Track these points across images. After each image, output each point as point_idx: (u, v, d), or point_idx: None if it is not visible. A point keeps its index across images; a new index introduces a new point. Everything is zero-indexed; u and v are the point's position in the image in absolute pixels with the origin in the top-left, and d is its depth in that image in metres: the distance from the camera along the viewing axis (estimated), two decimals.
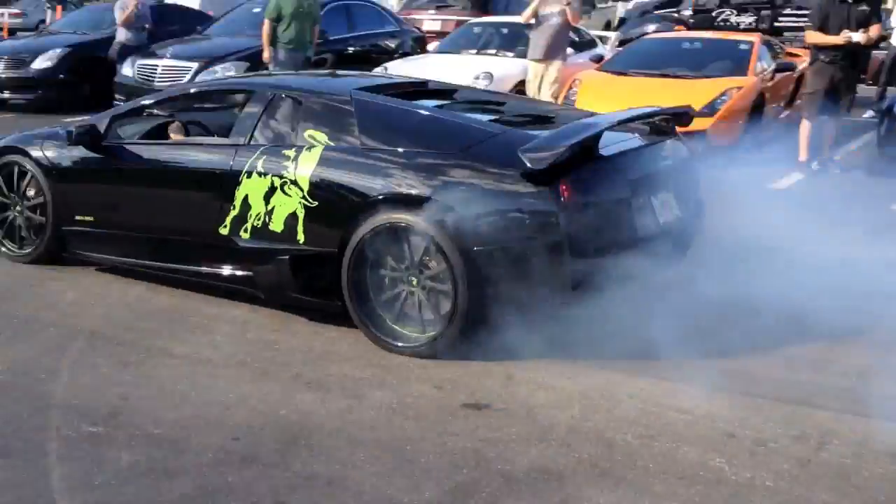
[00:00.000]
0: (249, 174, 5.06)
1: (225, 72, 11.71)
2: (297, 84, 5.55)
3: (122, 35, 13.72)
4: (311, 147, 4.96)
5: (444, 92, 6.13)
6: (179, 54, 12.36)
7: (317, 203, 4.84)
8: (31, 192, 6.05)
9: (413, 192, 4.57)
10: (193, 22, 15.61)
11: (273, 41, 11.15)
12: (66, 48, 13.85)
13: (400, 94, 5.55)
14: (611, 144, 4.90)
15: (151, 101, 6.10)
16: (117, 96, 12.15)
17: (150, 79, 12.06)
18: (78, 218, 5.84)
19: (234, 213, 5.11)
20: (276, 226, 4.96)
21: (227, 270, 5.20)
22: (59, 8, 25.34)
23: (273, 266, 4.99)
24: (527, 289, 4.40)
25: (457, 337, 4.51)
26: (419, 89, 6.01)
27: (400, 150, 4.74)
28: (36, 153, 5.98)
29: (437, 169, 4.60)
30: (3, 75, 13.52)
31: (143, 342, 4.81)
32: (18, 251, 6.16)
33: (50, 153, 5.95)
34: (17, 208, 6.12)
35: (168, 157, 5.56)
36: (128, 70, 12.50)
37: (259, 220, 5.02)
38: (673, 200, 5.17)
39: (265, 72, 10.17)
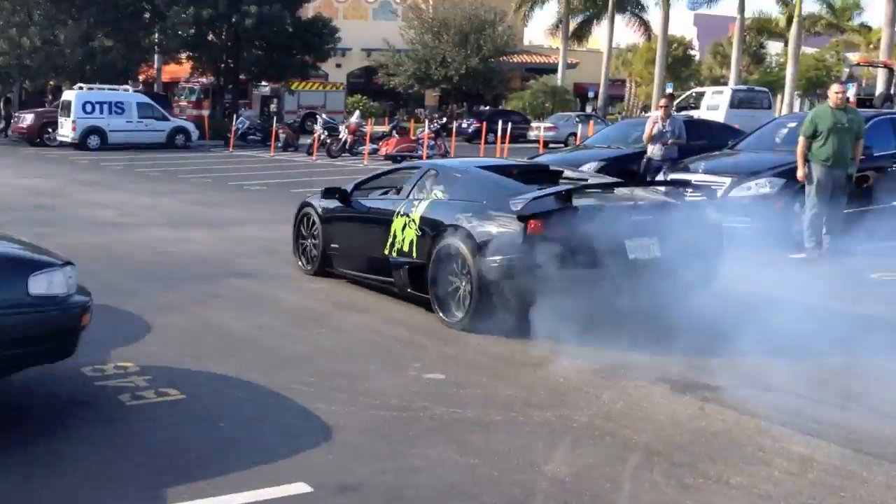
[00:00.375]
0: (398, 215, 8.26)
1: (759, 188, 11.63)
2: (440, 162, 9.50)
3: (652, 150, 14.32)
4: (427, 198, 8.17)
5: (548, 172, 8.95)
6: (712, 169, 12.50)
7: (421, 233, 7.92)
8: (315, 230, 9.68)
9: (456, 223, 7.58)
10: (721, 136, 15.76)
11: (808, 157, 10.88)
12: (600, 162, 14.65)
13: (505, 171, 8.39)
14: (596, 200, 7.69)
15: (377, 175, 9.86)
16: None
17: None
18: (333, 245, 9.40)
19: (390, 240, 8.30)
20: (405, 247, 8.09)
21: (384, 277, 8.51)
22: (590, 123, 27.22)
23: (402, 272, 8.20)
24: (512, 291, 7.15)
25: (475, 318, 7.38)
26: (534, 169, 9.17)
27: (458, 200, 7.83)
28: (316, 204, 9.72)
29: (472, 210, 7.57)
30: None
31: (699, 466, 4.80)
32: (306, 265, 9.85)
33: (322, 205, 9.62)
34: (310, 240, 9.78)
35: (372, 206, 8.99)
36: None
37: (399, 244, 8.16)
38: (655, 245, 7.34)
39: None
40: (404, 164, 13.16)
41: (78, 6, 36.19)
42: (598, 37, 54.20)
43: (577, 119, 37.31)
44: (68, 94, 31.86)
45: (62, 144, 31.66)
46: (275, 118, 36.45)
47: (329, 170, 24.33)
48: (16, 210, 15.26)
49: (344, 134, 29.20)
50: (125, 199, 16.74)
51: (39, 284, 5.09)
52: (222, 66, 39.74)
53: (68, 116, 30.70)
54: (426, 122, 28.69)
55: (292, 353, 6.82)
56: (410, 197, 8.39)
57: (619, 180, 9.06)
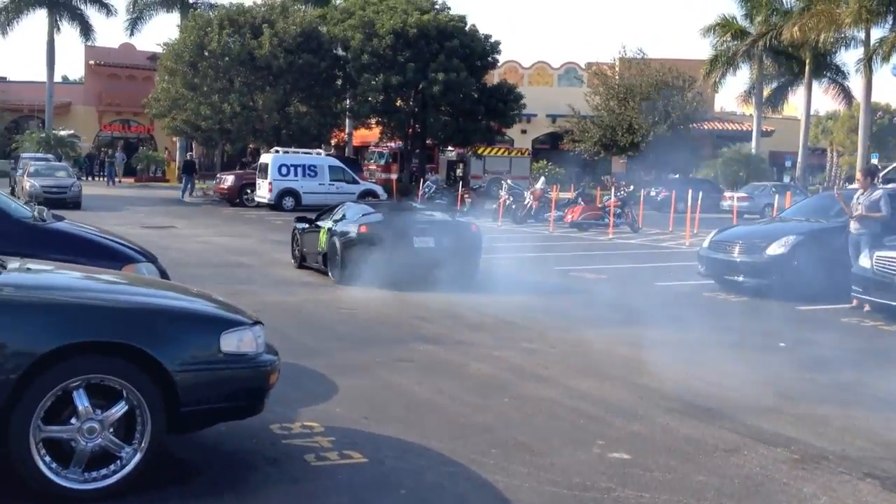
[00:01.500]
0: (322, 229, 14.67)
1: None
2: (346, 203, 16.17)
3: (853, 224, 13.50)
4: (331, 220, 14.89)
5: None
6: None
7: (327, 236, 14.43)
8: (296, 241, 15.83)
9: (336, 230, 14.28)
10: None
11: None
12: (798, 236, 13.92)
13: (371, 205, 16.22)
14: (395, 214, 15.08)
15: (325, 210, 16.09)
16: (855, 288, 11.87)
17: (891, 271, 11.54)
18: (304, 249, 15.38)
19: (319, 241, 14.75)
20: (322, 245, 14.54)
21: (322, 263, 14.74)
22: (787, 194, 26.15)
23: (320, 258, 14.60)
24: (352, 259, 13.58)
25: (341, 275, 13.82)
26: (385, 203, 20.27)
27: (341, 220, 14.74)
28: (297, 227, 16.10)
29: (343, 224, 14.33)
30: (739, 259, 14.00)
31: None
32: (294, 261, 15.62)
33: (300, 226, 16.02)
34: (295, 247, 16.02)
35: (317, 225, 15.29)
36: (865, 261, 12.16)
37: (321, 243, 14.61)
38: (430, 241, 13.73)
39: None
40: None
41: (275, 74, 38.18)
42: (795, 104, 52.40)
43: (774, 189, 35.87)
44: (265, 157, 33.52)
45: (259, 205, 33.26)
46: (460, 183, 37.05)
47: (513, 236, 24.37)
48: (214, 266, 16.02)
49: (529, 200, 29.24)
50: (418, 293, 17.20)
51: (230, 342, 5.20)
52: (410, 131, 40.89)
53: (265, 178, 32.27)
54: (612, 189, 28.28)
55: (474, 422, 6.69)
56: (328, 220, 15.06)
57: (411, 204, 19.59)
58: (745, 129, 51.32)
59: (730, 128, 53.33)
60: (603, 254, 20.04)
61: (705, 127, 50.36)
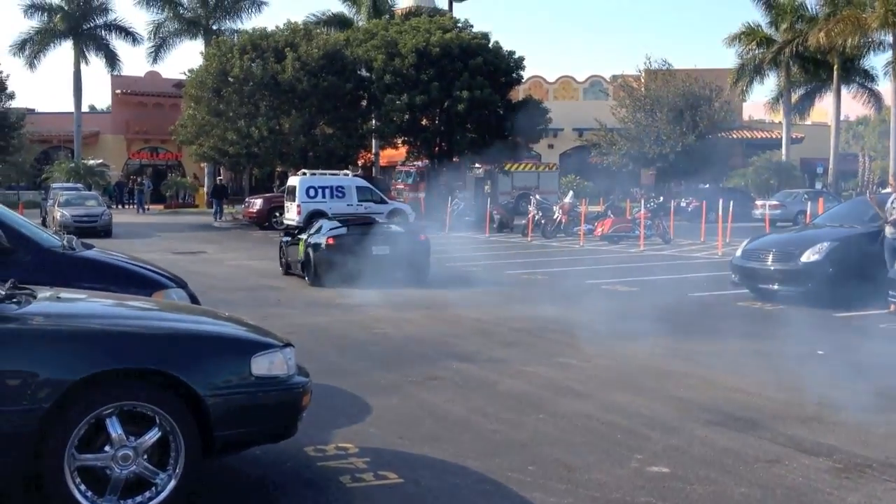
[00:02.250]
0: (302, 240, 17.55)
1: None
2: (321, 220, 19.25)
3: (888, 229, 13.30)
4: (308, 233, 17.78)
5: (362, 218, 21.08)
6: None
7: (305, 246, 17.10)
8: (282, 252, 18.99)
9: (309, 241, 17.04)
10: None
11: None
12: (832, 242, 13.72)
13: (339, 218, 19.10)
14: (358, 228, 17.32)
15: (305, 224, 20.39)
16: (891, 293, 11.67)
17: None
18: (289, 258, 18.53)
19: (299, 250, 17.63)
20: (301, 254, 17.36)
21: (302, 270, 17.66)
22: (820, 200, 25.85)
23: (300, 265, 17.54)
24: (322, 264, 16.34)
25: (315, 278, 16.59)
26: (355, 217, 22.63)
27: (314, 233, 17.44)
28: (283, 240, 19.34)
29: (315, 237, 17.02)
30: (772, 267, 13.83)
31: None
32: (281, 269, 18.66)
33: (285, 240, 19.30)
34: (282, 257, 18.91)
35: (298, 237, 18.21)
36: None
37: (300, 252, 17.44)
38: (385, 249, 16.44)
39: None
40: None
41: (300, 97, 38.35)
42: (824, 109, 51.89)
43: (806, 196, 35.52)
44: (293, 180, 33.65)
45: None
46: (489, 200, 36.97)
47: (543, 251, 24.28)
48: (244, 290, 16.07)
49: (558, 214, 29.14)
50: (377, 290, 17.23)
51: (261, 365, 5.17)
52: (436, 149, 40.95)
53: (293, 201, 32.38)
54: (642, 201, 28.13)
55: (510, 439, 6.62)
56: (306, 233, 17.58)
57: (370, 218, 20.86)
58: (774, 136, 50.96)
59: (759, 136, 52.96)
60: (634, 266, 19.90)
61: (734, 136, 50.04)
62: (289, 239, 18.74)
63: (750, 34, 45.95)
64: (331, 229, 17.10)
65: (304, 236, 17.56)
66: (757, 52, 46.12)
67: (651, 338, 10.84)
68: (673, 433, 6.74)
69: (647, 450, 6.34)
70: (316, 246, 16.63)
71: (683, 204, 37.14)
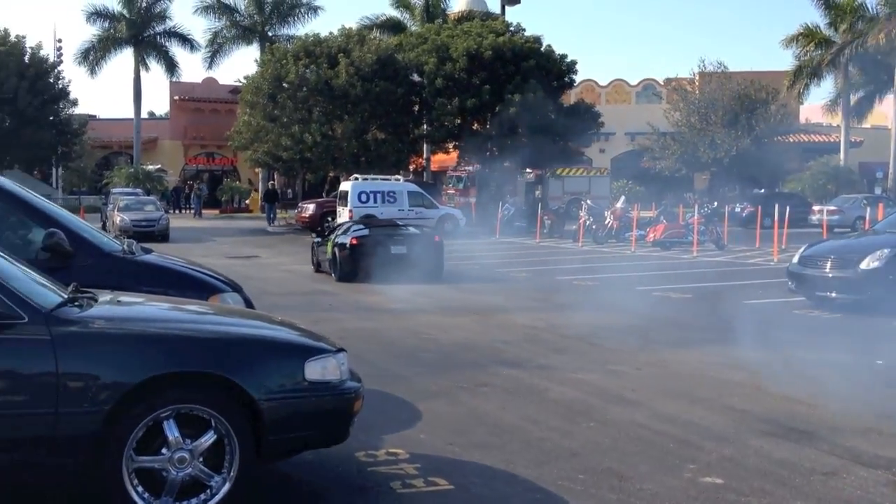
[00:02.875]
0: (330, 241, 19.49)
1: None
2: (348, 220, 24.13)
3: None
4: (336, 234, 19.56)
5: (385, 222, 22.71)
6: None
7: (333, 246, 19.06)
8: (313, 251, 21.09)
9: (337, 241, 18.92)
10: None
11: None
12: (894, 248, 13.45)
13: (364, 222, 21.24)
14: (379, 230, 19.63)
15: (336, 227, 21.69)
16: None
17: None
18: (319, 258, 20.59)
19: (327, 250, 19.50)
20: (329, 253, 19.38)
21: (330, 267, 19.61)
22: (880, 206, 25.37)
23: (328, 263, 19.60)
24: (348, 263, 18.38)
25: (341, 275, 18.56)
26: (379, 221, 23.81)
27: (340, 234, 19.45)
28: (314, 240, 21.43)
29: (341, 237, 19.02)
30: (831, 274, 13.58)
31: None
32: (313, 267, 20.67)
33: (315, 240, 21.24)
34: (313, 256, 21.13)
35: (328, 238, 20.21)
36: None
37: (329, 251, 19.40)
38: (404, 248, 18.46)
39: None
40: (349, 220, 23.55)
41: (352, 102, 38.59)
42: (883, 112, 50.85)
43: (865, 201, 34.82)
44: (345, 185, 33.87)
45: None
46: (539, 205, 36.92)
47: (594, 256, 24.13)
48: (297, 294, 16.22)
49: (609, 219, 28.96)
50: (399, 286, 17.34)
51: (315, 370, 5.22)
52: (487, 153, 40.93)
53: (345, 206, 32.57)
54: (695, 206, 27.82)
55: (560, 447, 6.59)
56: (334, 234, 19.32)
57: (393, 221, 22.49)
58: (832, 140, 50.07)
59: (816, 140, 52.08)
60: (687, 272, 19.70)
61: (790, 140, 49.29)
62: (319, 240, 20.67)
63: (808, 35, 45.21)
64: (355, 231, 19.13)
65: (331, 237, 19.39)
66: (815, 53, 45.36)
67: (704, 346, 10.73)
68: (727, 443, 6.67)
69: (700, 460, 6.28)
70: (342, 245, 18.51)
71: (738, 209, 36.67)
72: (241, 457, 4.96)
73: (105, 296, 5.59)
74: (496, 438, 6.82)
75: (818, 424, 7.20)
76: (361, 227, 19.70)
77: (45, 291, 5.17)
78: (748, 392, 8.35)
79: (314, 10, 52.30)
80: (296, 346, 5.42)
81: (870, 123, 53.25)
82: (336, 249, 18.58)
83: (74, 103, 47.31)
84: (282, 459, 5.49)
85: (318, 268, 20.39)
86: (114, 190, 43.01)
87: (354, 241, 18.34)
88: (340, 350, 5.51)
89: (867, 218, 24.18)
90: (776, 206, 24.94)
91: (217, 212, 51.57)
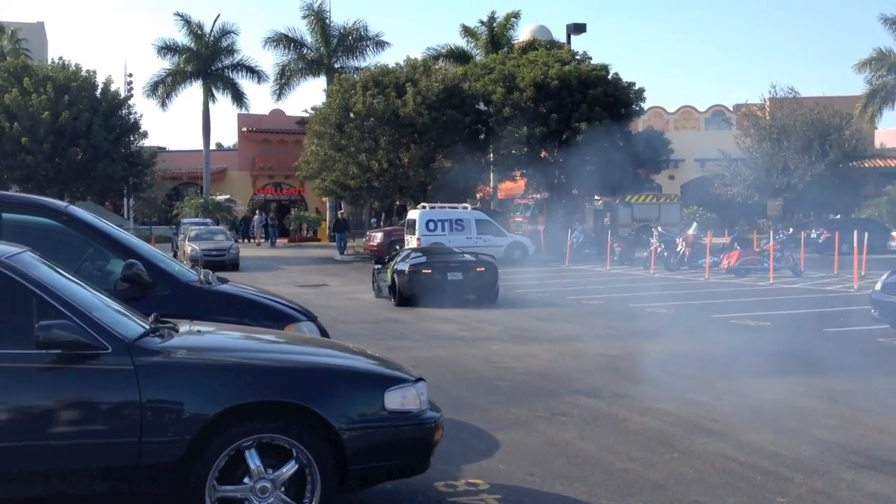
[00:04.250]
0: (390, 268, 20.26)
1: None
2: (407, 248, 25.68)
3: None
4: (395, 261, 20.36)
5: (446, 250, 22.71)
6: None
7: (393, 272, 19.73)
8: (373, 276, 22.02)
9: (396, 269, 19.69)
10: None
11: None
12: None
13: (424, 251, 21.84)
14: (435, 256, 20.44)
15: (394, 254, 22.39)
16: None
17: None
18: (379, 284, 21.12)
19: (387, 276, 20.27)
20: (389, 279, 19.96)
21: (390, 293, 20.06)
22: None
23: (387, 288, 20.23)
24: (406, 289, 19.14)
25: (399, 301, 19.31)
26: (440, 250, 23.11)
27: (400, 261, 20.20)
28: (374, 267, 22.36)
29: (401, 264, 19.79)
30: None
31: None
32: (374, 293, 21.35)
33: (375, 267, 22.13)
34: (373, 282, 21.72)
35: (387, 264, 20.91)
36: None
37: (389, 276, 19.98)
38: (460, 275, 19.18)
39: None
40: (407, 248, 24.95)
41: (420, 131, 38.76)
42: None
43: None
44: (413, 213, 33.97)
45: None
46: (609, 232, 36.55)
47: (667, 283, 23.77)
48: (367, 323, 16.24)
49: (681, 246, 28.51)
50: (467, 313, 17.27)
51: (395, 400, 5.17)
52: (555, 181, 40.73)
53: (413, 234, 32.65)
54: (770, 232, 27.23)
55: (643, 479, 6.43)
56: (393, 261, 19.96)
57: (450, 248, 22.91)
58: None
59: (892, 164, 50.86)
60: (764, 300, 19.26)
61: (866, 165, 48.20)
62: (380, 266, 21.43)
63: (880, 60, 44.35)
64: (413, 258, 19.93)
65: (391, 264, 20.06)
66: (888, 77, 44.45)
67: (786, 375, 10.43)
68: (817, 476, 6.44)
69: (790, 493, 6.06)
70: (400, 272, 19.22)
71: (814, 235, 35.86)
72: (322, 487, 4.93)
73: (184, 326, 5.62)
74: (577, 469, 6.68)
75: None
76: (419, 254, 20.58)
77: (127, 322, 5.22)
78: (835, 423, 8.08)
79: (381, 44, 52.80)
80: (375, 376, 5.38)
81: None
82: (395, 276, 19.26)
83: (145, 136, 48.36)
84: (362, 490, 5.43)
85: (378, 293, 21.05)
86: (184, 220, 43.77)
87: (412, 268, 19.14)
88: (420, 379, 5.46)
89: None
90: (854, 232, 24.31)
91: (286, 241, 52.13)
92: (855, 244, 23.33)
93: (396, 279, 19.19)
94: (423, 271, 19.10)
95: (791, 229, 32.77)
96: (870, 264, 23.73)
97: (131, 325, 5.19)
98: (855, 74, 45.38)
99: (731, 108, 54.29)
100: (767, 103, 47.78)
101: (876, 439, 7.48)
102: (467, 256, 20.37)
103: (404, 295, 18.96)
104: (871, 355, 11.95)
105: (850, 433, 7.68)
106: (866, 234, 25.26)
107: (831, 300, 19.02)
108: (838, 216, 40.97)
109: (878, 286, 14.04)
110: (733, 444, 7.34)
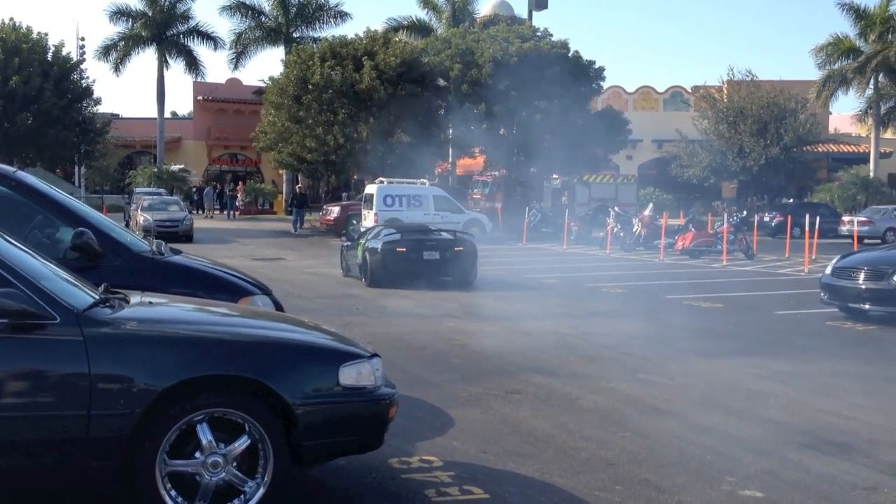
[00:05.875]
0: (360, 245, 18.98)
1: None
2: (377, 225, 23.71)
3: None
4: (366, 239, 19.05)
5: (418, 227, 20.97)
6: None
7: (363, 250, 18.47)
8: (342, 255, 20.84)
9: (367, 246, 18.55)
10: None
11: None
12: None
13: (394, 227, 20.30)
14: (410, 234, 18.83)
15: (365, 230, 21.84)
16: None
17: None
18: (347, 262, 20.05)
19: (357, 254, 19.12)
20: (359, 257, 18.86)
21: (360, 273, 19.07)
22: None
23: (358, 267, 19.06)
24: (378, 268, 18.01)
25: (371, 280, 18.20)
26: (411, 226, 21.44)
27: (371, 239, 18.98)
28: (343, 244, 20.94)
29: (372, 241, 18.51)
30: (864, 286, 13.36)
31: None
32: (342, 271, 20.15)
33: (343, 243, 20.91)
34: (341, 260, 20.69)
35: (357, 241, 19.67)
36: None
37: (359, 255, 18.92)
38: (437, 254, 17.94)
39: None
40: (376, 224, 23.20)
41: (378, 105, 38.52)
42: None
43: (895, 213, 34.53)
44: (370, 188, 33.81)
45: None
46: (566, 211, 36.73)
47: (623, 264, 23.96)
48: (323, 298, 16.16)
49: (637, 227, 28.73)
50: (424, 291, 17.24)
51: (349, 375, 5.13)
52: (513, 159, 40.77)
53: (371, 209, 32.53)
54: (725, 215, 27.55)
55: (596, 457, 6.47)
56: (364, 239, 18.99)
57: (425, 226, 21.10)
58: (861, 150, 49.63)
59: (846, 150, 51.64)
60: (717, 282, 19.49)
61: (819, 149, 48.87)
62: (349, 244, 20.17)
63: (836, 44, 44.88)
64: (386, 235, 18.52)
65: (362, 241, 18.93)
66: (844, 63, 45.02)
67: (737, 356, 10.57)
68: (765, 456, 6.52)
69: (739, 472, 6.14)
70: (372, 250, 18.10)
71: (767, 219, 36.34)
72: (275, 462, 4.88)
73: (135, 297, 5.52)
74: (530, 447, 6.70)
75: (856, 438, 7.06)
76: (393, 231, 19.08)
77: (76, 291, 5.10)
78: (784, 404, 8.20)
79: (341, 15, 52.26)
80: (330, 351, 5.33)
81: None
82: (367, 254, 18.21)
83: (98, 102, 47.44)
84: (316, 465, 5.40)
85: (346, 272, 20.02)
86: (137, 189, 43.13)
87: (385, 246, 17.95)
88: (375, 355, 5.42)
89: None
90: (806, 217, 24.66)
91: (238, 213, 51.67)
92: (806, 228, 23.71)
93: (368, 257, 18.10)
94: (398, 250, 17.91)
95: (745, 212, 33.16)
96: (821, 248, 24.12)
97: (80, 294, 5.07)
98: (811, 59, 45.93)
99: (690, 90, 54.69)
100: (725, 86, 48.19)
101: (823, 421, 7.60)
102: (445, 235, 19.23)
103: (376, 275, 17.88)
104: (819, 338, 12.15)
105: (798, 414, 7.80)
106: (818, 219, 25.70)
107: (782, 283, 19.31)
108: (791, 200, 41.60)
109: (827, 270, 14.27)
110: (684, 424, 7.42)
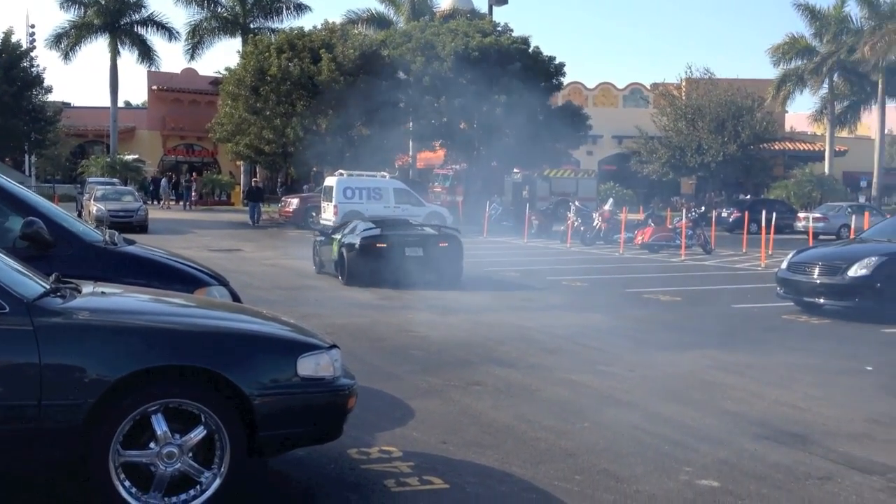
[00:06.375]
0: (335, 241, 17.73)
1: None
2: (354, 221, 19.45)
3: None
4: (342, 234, 17.66)
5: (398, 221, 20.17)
6: None
7: (338, 246, 17.19)
8: (315, 251, 19.28)
9: (344, 241, 17.17)
10: None
11: None
12: (881, 257, 13.40)
13: (373, 221, 18.71)
14: (391, 229, 17.50)
15: (340, 225, 19.83)
16: None
17: None
18: (321, 258, 18.77)
19: (333, 250, 17.71)
20: (335, 254, 17.35)
21: (335, 270, 17.68)
22: (866, 214, 25.43)
23: (334, 264, 17.70)
24: (356, 265, 16.64)
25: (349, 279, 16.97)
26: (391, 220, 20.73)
27: (347, 234, 17.54)
28: (316, 240, 19.54)
29: (350, 237, 17.19)
30: (819, 281, 13.55)
31: None
32: (315, 268, 18.79)
33: (317, 239, 19.52)
34: (314, 256, 19.22)
35: (332, 237, 18.25)
36: None
37: (334, 252, 17.58)
38: (419, 251, 16.55)
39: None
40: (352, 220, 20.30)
41: (337, 97, 38.29)
42: (868, 123, 51.11)
43: (850, 210, 35.07)
44: (330, 181, 33.58)
45: None
46: (527, 205, 36.81)
47: (582, 257, 24.07)
48: (282, 289, 16.05)
49: (598, 221, 28.88)
50: (401, 289, 17.15)
51: (307, 366, 5.09)
52: (474, 153, 40.77)
53: (330, 201, 32.34)
54: (683, 210, 27.79)
55: (555, 448, 6.48)
56: (339, 233, 17.77)
57: (406, 220, 20.87)
58: (817, 148, 50.37)
59: (801, 148, 52.37)
60: (676, 276, 19.65)
61: (776, 147, 49.50)
62: (322, 239, 18.90)
63: (792, 44, 45.48)
64: (365, 230, 17.23)
65: (337, 236, 17.64)
66: (800, 62, 45.63)
67: (695, 349, 10.65)
68: (722, 446, 6.58)
69: (696, 462, 6.18)
70: (349, 246, 16.78)
71: (724, 214, 36.74)
72: (231, 453, 4.82)
73: (88, 287, 5.43)
74: (490, 437, 6.70)
75: (811, 429, 7.14)
76: (371, 225, 17.69)
77: (26, 281, 5.01)
78: (740, 395, 8.27)
79: (299, 7, 51.85)
80: (288, 342, 5.27)
81: (856, 133, 53.58)
82: (343, 250, 16.89)
83: (49, 90, 46.68)
84: (274, 456, 5.36)
85: (320, 269, 18.69)
86: (89, 179, 42.43)
87: (364, 242, 16.62)
88: (333, 346, 5.38)
89: (852, 226, 24.23)
90: (763, 212, 24.95)
91: (194, 204, 51.11)
92: (763, 224, 23.98)
93: (345, 253, 16.75)
94: (377, 245, 16.57)
95: (703, 208, 33.47)
96: (777, 244, 24.42)
97: (31, 284, 4.98)
98: (768, 58, 46.56)
99: (649, 87, 55.10)
100: (683, 83, 48.64)
101: (778, 412, 7.68)
102: (428, 230, 18.30)
103: (353, 272, 16.52)
104: (775, 331, 12.28)
105: (754, 406, 7.88)
106: (774, 215, 25.99)
107: (740, 277, 19.53)
108: (748, 196, 42.07)
109: (783, 265, 14.44)
110: (642, 415, 7.45)
